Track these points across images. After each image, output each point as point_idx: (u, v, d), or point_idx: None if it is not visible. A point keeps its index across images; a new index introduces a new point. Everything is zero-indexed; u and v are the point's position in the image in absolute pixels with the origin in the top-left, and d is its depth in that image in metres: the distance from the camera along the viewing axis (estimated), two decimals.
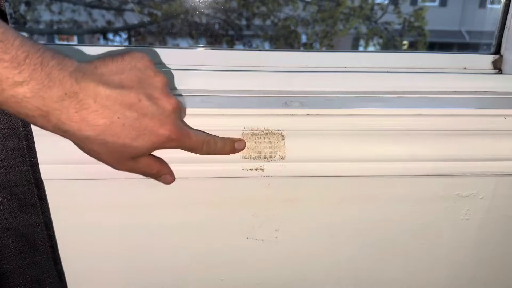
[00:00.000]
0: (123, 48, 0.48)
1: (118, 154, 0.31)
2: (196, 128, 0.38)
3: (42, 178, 0.39)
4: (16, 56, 0.25)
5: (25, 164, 0.38)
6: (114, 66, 0.30)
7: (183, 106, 0.37)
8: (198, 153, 0.37)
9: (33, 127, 0.37)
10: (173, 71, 0.46)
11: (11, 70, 0.25)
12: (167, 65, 0.47)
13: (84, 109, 0.28)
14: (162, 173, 0.37)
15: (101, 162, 0.32)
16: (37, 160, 0.38)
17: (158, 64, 0.47)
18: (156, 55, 0.47)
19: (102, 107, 0.28)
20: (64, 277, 0.44)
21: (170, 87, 0.34)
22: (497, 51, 0.53)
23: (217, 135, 0.39)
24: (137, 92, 0.30)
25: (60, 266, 0.44)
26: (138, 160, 0.33)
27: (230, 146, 0.39)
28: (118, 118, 0.29)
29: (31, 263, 0.42)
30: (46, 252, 0.42)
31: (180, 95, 0.43)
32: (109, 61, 0.30)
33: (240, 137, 0.39)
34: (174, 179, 0.38)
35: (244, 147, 0.40)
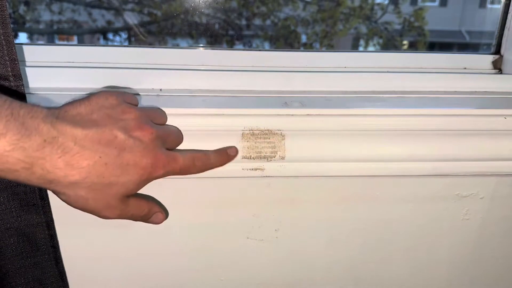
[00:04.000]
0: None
1: (106, 196, 0.30)
2: (196, 128, 0.38)
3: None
4: None
5: None
6: (83, 108, 0.30)
7: (169, 130, 0.36)
8: (194, 173, 0.36)
9: None
10: (173, 71, 0.46)
11: None
12: (167, 65, 0.47)
13: (66, 153, 0.27)
14: (153, 212, 0.36)
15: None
16: None
17: (159, 64, 0.47)
18: (157, 56, 0.48)
19: (82, 149, 0.28)
20: (66, 277, 0.44)
21: (147, 115, 0.33)
22: (497, 51, 0.53)
23: (217, 135, 0.39)
24: (111, 128, 0.30)
25: (62, 266, 0.44)
26: (127, 202, 0.32)
27: (224, 155, 0.38)
28: (100, 157, 0.29)
29: (32, 263, 0.42)
30: (47, 252, 0.42)
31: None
32: (77, 104, 0.30)
33: (240, 137, 0.39)
34: (166, 217, 0.37)
35: (237, 153, 0.39)
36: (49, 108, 0.28)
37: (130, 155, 0.30)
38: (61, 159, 0.27)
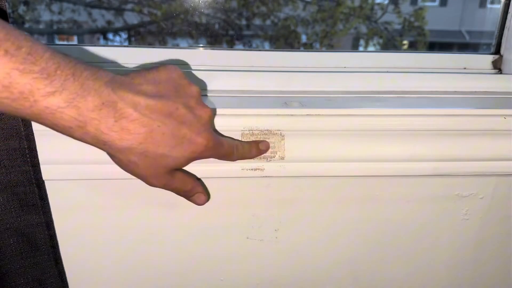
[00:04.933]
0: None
1: (156, 165, 0.31)
2: None
3: (43, 178, 0.39)
4: (46, 68, 0.25)
5: (26, 164, 0.38)
6: (151, 77, 0.30)
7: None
8: (230, 160, 0.37)
9: (34, 127, 0.37)
10: None
11: (42, 81, 0.25)
12: None
13: (124, 118, 0.28)
14: (196, 191, 0.36)
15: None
16: (38, 160, 0.38)
17: (158, 64, 0.47)
18: (157, 56, 0.48)
19: (142, 116, 0.28)
20: (66, 277, 0.45)
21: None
22: (497, 51, 0.53)
23: None
24: (174, 101, 0.30)
25: (62, 266, 0.44)
26: (174, 174, 0.33)
27: (255, 148, 0.39)
28: (158, 126, 0.29)
29: (32, 263, 0.42)
30: (47, 252, 0.42)
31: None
32: (145, 72, 0.30)
33: (239, 137, 0.39)
34: (208, 198, 0.38)
35: (268, 148, 0.40)
36: (115, 74, 0.29)
37: (187, 130, 0.31)
38: (118, 123, 0.28)
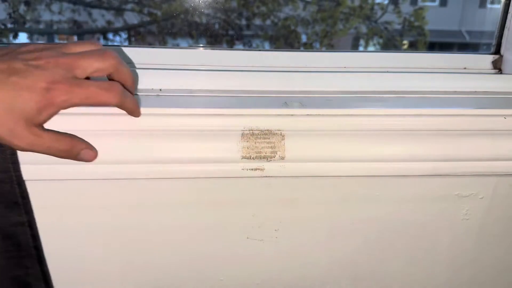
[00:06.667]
0: None
1: (6, 121, 0.30)
2: (195, 128, 0.38)
3: (24, 178, 0.39)
4: None
5: (6, 161, 0.38)
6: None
7: (80, 58, 0.33)
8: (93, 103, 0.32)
9: None
10: (173, 71, 0.46)
11: None
12: (167, 65, 0.47)
13: None
14: (79, 148, 0.34)
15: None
16: (17, 158, 0.38)
17: (159, 64, 0.47)
18: (157, 56, 0.48)
19: None
20: (50, 278, 0.44)
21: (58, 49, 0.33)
22: (497, 51, 0.53)
23: (217, 135, 0.39)
24: (8, 62, 0.31)
25: (45, 267, 0.43)
26: (38, 133, 0.31)
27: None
28: None
29: (15, 263, 0.41)
30: (30, 252, 0.41)
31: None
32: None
33: (239, 137, 0.39)
34: (96, 153, 0.36)
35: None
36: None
37: (23, 79, 0.30)
38: None
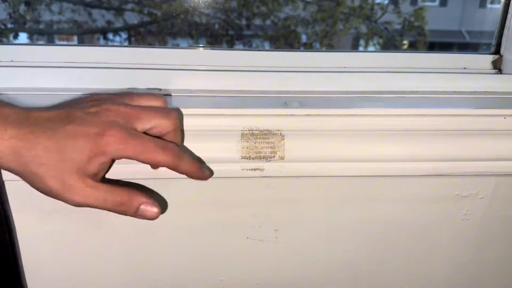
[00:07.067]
0: None
1: (59, 173, 0.28)
2: (195, 128, 0.38)
3: (4, 179, 0.38)
4: None
5: None
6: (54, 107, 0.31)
7: (142, 111, 0.32)
8: (155, 162, 0.31)
9: None
10: (173, 71, 0.46)
11: None
12: (167, 65, 0.47)
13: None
14: (138, 202, 0.30)
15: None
16: None
17: (159, 64, 0.47)
18: (157, 56, 0.48)
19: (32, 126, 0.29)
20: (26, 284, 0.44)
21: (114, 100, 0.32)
22: (497, 51, 0.53)
23: (216, 135, 0.39)
24: (68, 110, 0.30)
25: (22, 272, 0.43)
26: (92, 185, 0.29)
27: (193, 163, 0.34)
28: (44, 131, 0.29)
29: None
30: (7, 256, 0.41)
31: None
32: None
33: (239, 137, 0.39)
34: (159, 210, 0.31)
35: (207, 177, 0.35)
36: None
37: (78, 127, 0.28)
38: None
